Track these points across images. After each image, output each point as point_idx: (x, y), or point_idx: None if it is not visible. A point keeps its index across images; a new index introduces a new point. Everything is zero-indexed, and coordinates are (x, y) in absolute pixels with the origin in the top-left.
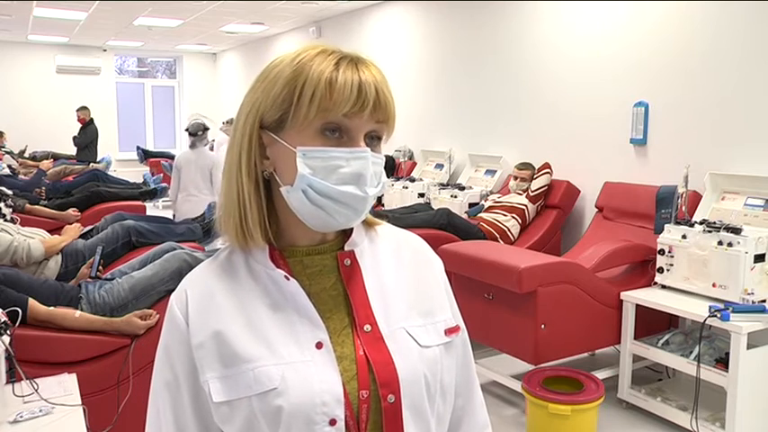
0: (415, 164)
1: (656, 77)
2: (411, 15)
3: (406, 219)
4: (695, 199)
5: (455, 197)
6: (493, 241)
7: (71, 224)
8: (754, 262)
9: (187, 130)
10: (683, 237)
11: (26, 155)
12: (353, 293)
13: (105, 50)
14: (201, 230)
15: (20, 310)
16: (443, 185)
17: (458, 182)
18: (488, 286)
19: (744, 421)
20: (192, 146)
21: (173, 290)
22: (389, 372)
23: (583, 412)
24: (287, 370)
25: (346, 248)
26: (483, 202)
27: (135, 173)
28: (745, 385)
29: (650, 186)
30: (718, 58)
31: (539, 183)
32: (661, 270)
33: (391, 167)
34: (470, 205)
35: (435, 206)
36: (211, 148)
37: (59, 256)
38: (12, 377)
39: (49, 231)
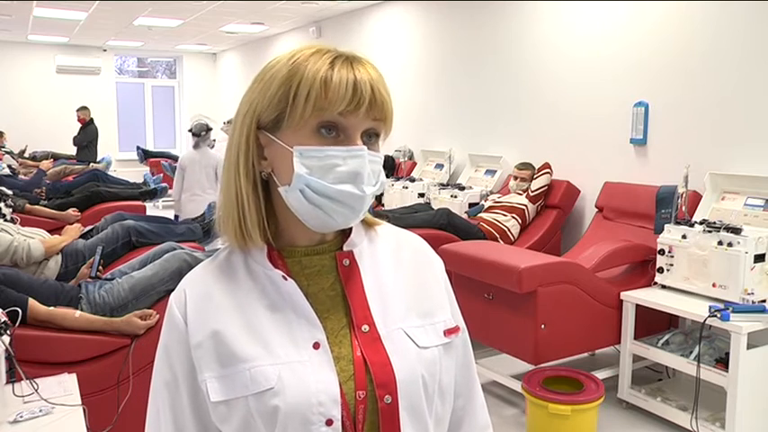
0: (415, 164)
1: (656, 77)
2: (411, 15)
3: (406, 219)
4: (695, 199)
5: (455, 197)
6: (493, 241)
7: (71, 224)
8: (754, 262)
9: (190, 130)
10: (683, 237)
11: (26, 155)
12: (352, 294)
13: (105, 50)
14: (201, 230)
15: (20, 310)
16: (443, 185)
17: (458, 182)
18: (488, 286)
19: (744, 421)
20: (196, 146)
21: (173, 290)
22: (386, 372)
23: (583, 412)
24: (284, 370)
25: (345, 249)
26: (483, 202)
27: (135, 173)
28: (745, 385)
29: (650, 186)
30: (718, 58)
31: (539, 183)
32: (661, 270)
33: (391, 167)
34: (470, 205)
35: (435, 206)
36: (211, 147)
37: (59, 256)
38: (12, 377)
39: (49, 231)
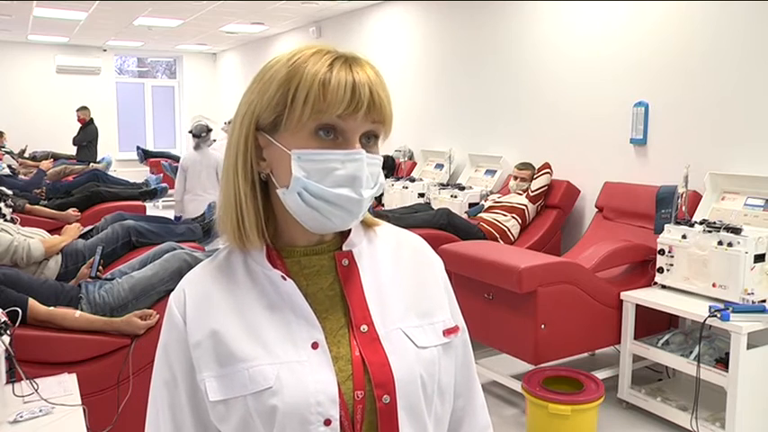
0: (415, 164)
1: (656, 77)
2: (411, 15)
3: (407, 219)
4: (695, 199)
5: (455, 197)
6: (493, 241)
7: (71, 224)
8: (754, 262)
9: (191, 131)
10: (683, 237)
11: (26, 155)
12: (350, 294)
13: (105, 50)
14: (201, 230)
15: (20, 310)
16: (443, 185)
17: (458, 182)
18: (488, 286)
19: (744, 421)
20: (197, 147)
21: (173, 290)
22: (385, 372)
23: (583, 412)
24: (282, 369)
25: (344, 249)
26: (483, 202)
27: (135, 173)
28: (745, 385)
29: (650, 186)
30: (718, 58)
31: (539, 183)
32: (661, 270)
33: (391, 167)
34: (470, 205)
35: (435, 206)
36: (209, 146)
37: (59, 256)
38: (12, 377)
39: (49, 231)
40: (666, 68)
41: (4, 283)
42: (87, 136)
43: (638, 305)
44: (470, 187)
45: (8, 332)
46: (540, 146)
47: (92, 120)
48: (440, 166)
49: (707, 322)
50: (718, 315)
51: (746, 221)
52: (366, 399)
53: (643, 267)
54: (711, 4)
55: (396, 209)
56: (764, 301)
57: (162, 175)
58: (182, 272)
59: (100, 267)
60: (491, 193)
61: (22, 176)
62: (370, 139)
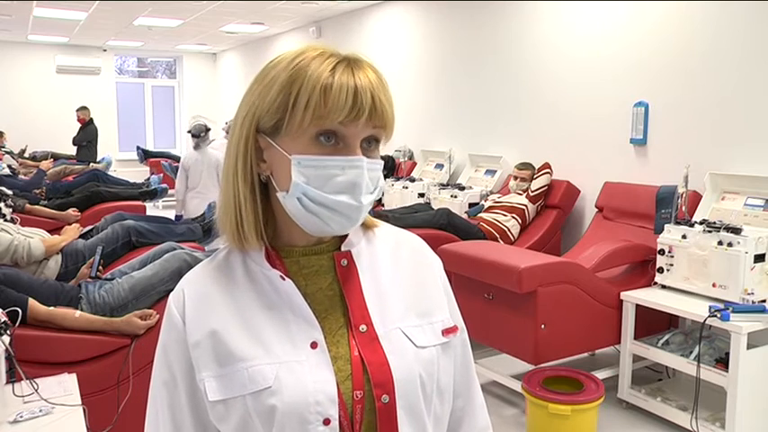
0: (415, 164)
1: (656, 77)
2: (411, 15)
3: (406, 219)
4: (695, 199)
5: (455, 197)
6: (493, 241)
7: (71, 224)
8: (754, 262)
9: (189, 131)
10: (683, 237)
11: (26, 155)
12: (349, 294)
13: (105, 50)
14: (201, 230)
15: (20, 310)
16: (443, 185)
17: (458, 182)
18: (488, 286)
19: (744, 421)
20: (196, 147)
21: (173, 290)
22: (384, 372)
23: (583, 412)
24: (281, 369)
25: (343, 249)
26: (483, 202)
27: (135, 173)
28: (745, 385)
29: (650, 186)
30: (718, 58)
31: (539, 183)
32: (661, 270)
33: (391, 167)
34: (470, 205)
35: (435, 206)
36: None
37: (59, 256)
38: (12, 377)
39: (49, 231)
40: (666, 68)
41: (4, 283)
42: (87, 136)
43: (638, 305)
44: (470, 187)
45: (8, 332)
46: (540, 146)
47: (91, 120)
48: (440, 166)
49: (707, 322)
50: (718, 315)
51: (746, 221)
52: (365, 398)
53: (643, 267)
54: (711, 4)
55: (396, 209)
56: (764, 301)
57: (162, 175)
58: (182, 272)
59: (100, 267)
60: (491, 193)
61: (22, 176)
62: (371, 144)
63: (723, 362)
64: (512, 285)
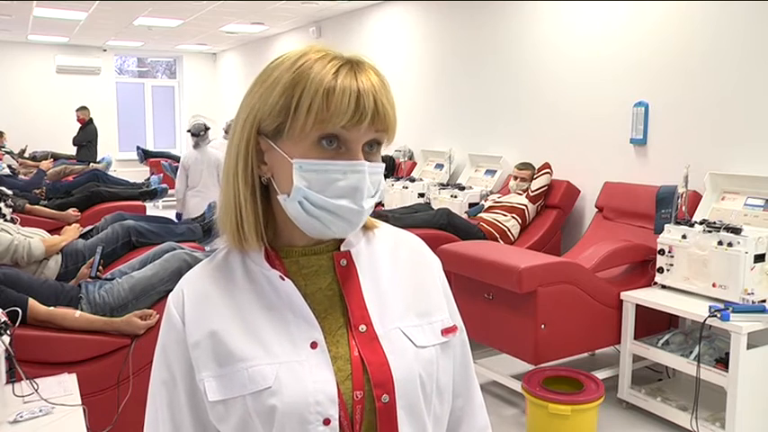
0: (415, 164)
1: (656, 77)
2: (411, 15)
3: (406, 219)
4: (695, 199)
5: (455, 197)
6: (493, 241)
7: (71, 224)
8: (754, 262)
9: (189, 130)
10: (683, 237)
11: (26, 155)
12: (349, 294)
13: (105, 50)
14: (201, 230)
15: (20, 310)
16: (443, 185)
17: (458, 182)
18: (488, 286)
19: (744, 421)
20: (196, 146)
21: (173, 290)
22: (384, 372)
23: (583, 412)
24: (281, 369)
25: (342, 249)
26: (483, 202)
27: (135, 173)
28: (745, 385)
29: (650, 186)
30: (718, 58)
31: (539, 183)
32: (661, 270)
33: (391, 167)
34: (470, 205)
35: (435, 206)
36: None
37: (59, 256)
38: (12, 377)
39: (48, 231)
40: (666, 68)
41: (4, 283)
42: (87, 136)
43: (638, 305)
44: (470, 187)
45: (8, 332)
46: (540, 146)
47: (91, 120)
48: (440, 166)
49: (707, 322)
50: (718, 315)
51: (746, 221)
52: (365, 398)
53: (643, 267)
54: (711, 4)
55: (396, 209)
56: (764, 301)
57: (162, 175)
58: (181, 272)
59: (100, 267)
60: (491, 193)
61: (22, 176)
62: (372, 147)
63: (723, 362)
64: (512, 285)
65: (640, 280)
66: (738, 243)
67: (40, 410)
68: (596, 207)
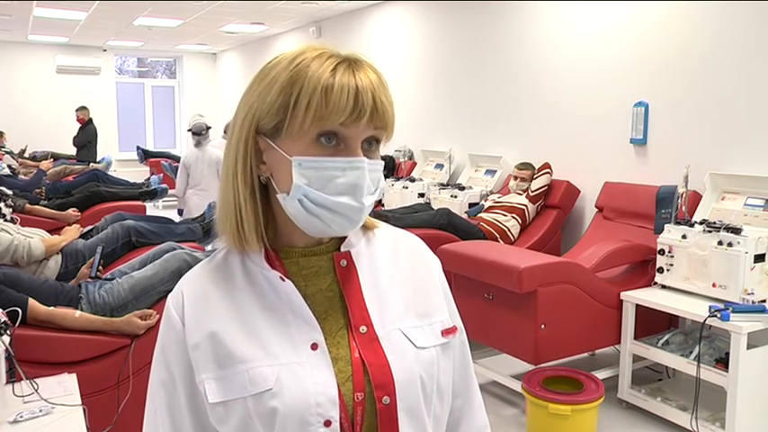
0: (415, 164)
1: (656, 77)
2: (411, 15)
3: (406, 219)
4: (695, 199)
5: (455, 197)
6: (493, 241)
7: (71, 224)
8: (754, 262)
9: (190, 130)
10: (683, 237)
11: (26, 155)
12: (349, 295)
13: (105, 50)
14: (201, 230)
15: (20, 310)
16: (443, 185)
17: (458, 182)
18: (488, 286)
19: (744, 421)
20: (198, 144)
21: (172, 290)
22: (385, 373)
23: (583, 412)
24: (282, 371)
25: (342, 250)
26: (483, 202)
27: (135, 173)
28: (745, 385)
29: (650, 186)
30: (718, 58)
31: (539, 183)
32: (661, 270)
33: (391, 167)
34: (470, 205)
35: (435, 206)
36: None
37: (59, 256)
38: (12, 377)
39: (48, 231)
40: (666, 68)
41: (4, 283)
42: (86, 136)
43: (638, 305)
44: (470, 187)
45: (8, 332)
46: (540, 146)
47: (91, 120)
48: (440, 166)
49: (707, 322)
50: (718, 315)
51: (746, 221)
52: (366, 400)
53: (643, 267)
54: (711, 4)
55: (396, 209)
56: (764, 301)
57: (162, 175)
58: (181, 272)
59: (100, 267)
60: (491, 193)
61: (22, 176)
62: (371, 145)
63: (723, 362)
64: (512, 285)
65: (640, 280)
66: (738, 243)
67: (40, 410)
68: (596, 207)
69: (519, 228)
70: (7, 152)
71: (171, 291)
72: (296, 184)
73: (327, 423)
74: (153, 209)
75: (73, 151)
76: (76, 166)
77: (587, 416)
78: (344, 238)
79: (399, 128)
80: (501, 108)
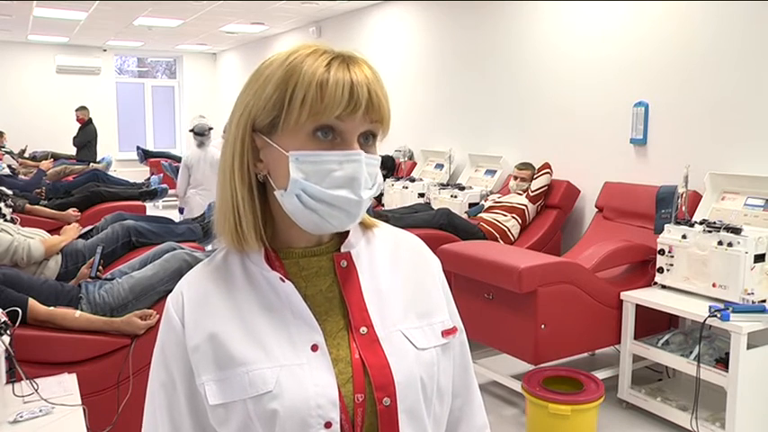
0: (415, 164)
1: (656, 77)
2: (411, 15)
3: (406, 219)
4: (695, 199)
5: (455, 197)
6: (493, 241)
7: (71, 224)
8: (754, 262)
9: (192, 130)
10: (683, 237)
11: (26, 155)
12: (349, 295)
13: (105, 50)
14: (201, 230)
15: (20, 310)
16: (443, 185)
17: (458, 182)
18: (488, 286)
19: (744, 421)
20: (200, 145)
21: (173, 290)
22: (385, 375)
23: (583, 412)
24: (282, 373)
25: (342, 250)
26: (483, 202)
27: (135, 173)
28: (745, 385)
29: (650, 186)
30: (718, 58)
31: (539, 183)
32: (661, 270)
33: (391, 167)
34: (470, 205)
35: (435, 206)
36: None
37: (59, 256)
38: (12, 377)
39: (48, 231)
40: (666, 68)
41: (4, 283)
42: (86, 136)
43: (638, 305)
44: (470, 187)
45: (8, 332)
46: (540, 146)
47: (90, 120)
48: (440, 166)
49: (707, 322)
50: (718, 315)
51: (746, 221)
52: (366, 402)
53: (643, 267)
54: (711, 4)
55: (396, 209)
56: (764, 301)
57: (162, 175)
58: (181, 272)
59: (100, 267)
60: (491, 193)
61: (22, 176)
62: (368, 139)
63: (723, 362)
64: (512, 285)
65: (640, 280)
66: (738, 243)
67: (40, 410)
68: (596, 207)
69: (519, 228)
70: (7, 152)
71: (171, 291)
72: (293, 178)
73: (328, 425)
74: (153, 209)
75: (73, 151)
76: (76, 166)
77: (587, 416)
78: (344, 238)
79: (399, 128)
80: (501, 108)
